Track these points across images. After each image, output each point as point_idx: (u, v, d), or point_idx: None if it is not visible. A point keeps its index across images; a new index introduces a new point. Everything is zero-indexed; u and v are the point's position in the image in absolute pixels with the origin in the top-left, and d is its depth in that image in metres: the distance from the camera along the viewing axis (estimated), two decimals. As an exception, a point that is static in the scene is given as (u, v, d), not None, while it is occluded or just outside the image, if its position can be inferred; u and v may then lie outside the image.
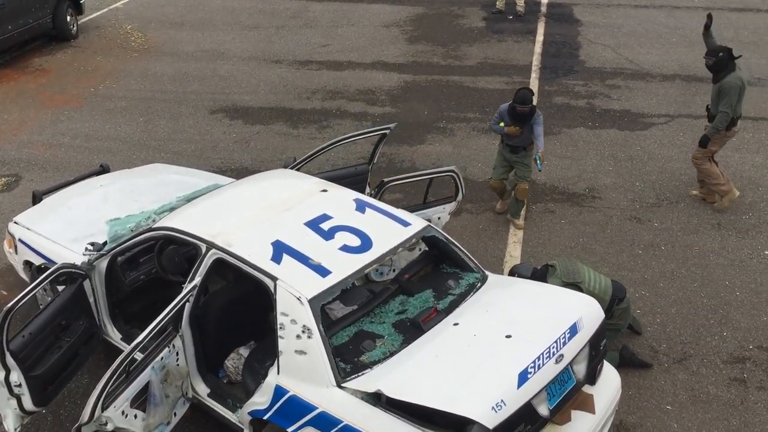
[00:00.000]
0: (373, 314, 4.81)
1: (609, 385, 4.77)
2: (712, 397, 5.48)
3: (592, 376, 4.62)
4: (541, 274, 5.57)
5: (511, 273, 5.72)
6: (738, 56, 7.30)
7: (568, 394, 4.40)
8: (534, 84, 11.07)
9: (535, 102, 7.27)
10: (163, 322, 4.37)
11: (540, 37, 13.08)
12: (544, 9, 14.58)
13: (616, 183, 8.37)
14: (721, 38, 12.61)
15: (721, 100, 7.15)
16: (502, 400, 3.92)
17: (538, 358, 4.16)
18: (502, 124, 7.25)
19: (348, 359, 4.38)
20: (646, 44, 12.51)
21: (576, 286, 5.37)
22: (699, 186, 7.91)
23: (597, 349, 4.61)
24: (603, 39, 12.80)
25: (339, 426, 4.13)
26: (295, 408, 4.30)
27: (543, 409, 4.19)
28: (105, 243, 5.44)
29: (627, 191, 8.19)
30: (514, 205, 7.61)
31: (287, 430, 4.33)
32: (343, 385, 4.22)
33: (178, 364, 4.68)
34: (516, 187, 7.49)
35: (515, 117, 7.13)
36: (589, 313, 4.61)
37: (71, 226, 5.88)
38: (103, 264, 5.30)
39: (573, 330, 4.42)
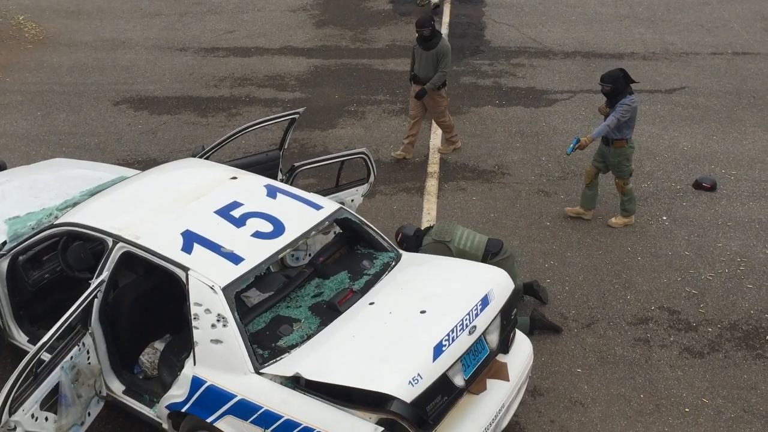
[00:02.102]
0: (289, 299, 4.81)
1: (522, 352, 4.94)
2: (618, 357, 5.76)
3: (505, 345, 4.77)
4: (423, 234, 5.91)
5: (397, 233, 5.98)
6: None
7: (483, 363, 4.54)
8: (442, 65, 11.21)
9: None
10: (69, 321, 4.23)
11: (446, 19, 13.25)
12: (449, -10, 14.75)
13: (524, 159, 8.62)
14: (617, 15, 13.17)
15: (442, 62, 8.07)
16: (418, 374, 4.01)
17: (452, 330, 4.27)
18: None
19: (265, 345, 4.36)
20: (547, 23, 12.87)
21: (444, 244, 5.74)
22: (447, 144, 8.79)
23: (508, 319, 4.77)
24: (507, 19, 13.08)
25: (259, 412, 4.12)
26: (214, 398, 4.26)
27: (459, 380, 4.31)
28: (4, 243, 5.21)
29: (534, 166, 8.44)
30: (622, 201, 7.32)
31: (206, 420, 4.29)
32: (261, 371, 4.21)
33: (89, 363, 4.55)
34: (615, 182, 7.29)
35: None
36: (499, 284, 4.76)
37: (-34, 227, 5.59)
38: (4, 264, 5.09)
39: (485, 301, 4.56)
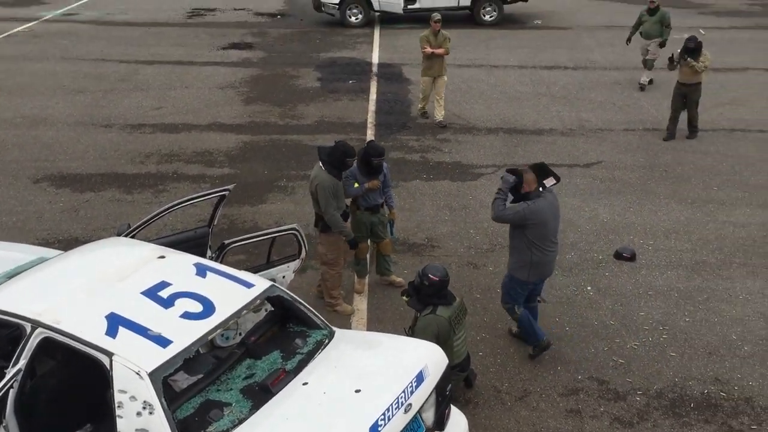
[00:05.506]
0: (219, 381, 4.66)
1: (457, 428, 4.91)
2: (552, 430, 5.78)
3: (440, 422, 4.74)
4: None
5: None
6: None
7: (419, 442, 4.49)
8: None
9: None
10: (-18, 414, 3.97)
11: (373, 96, 13.60)
12: (375, 69, 15.21)
13: (453, 231, 8.77)
14: (536, 93, 13.81)
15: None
16: (354, 456, 3.92)
17: (388, 409, 4.23)
18: (357, 185, 7.04)
19: (194, 432, 4.19)
20: (470, 100, 13.37)
21: (449, 326, 5.61)
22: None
23: (443, 395, 4.75)
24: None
25: (188, 505, 3.92)
26: (139, 491, 4.04)
27: (396, 460, 4.23)
28: None
29: (463, 239, 8.60)
30: (383, 263, 7.51)
31: None
32: (190, 460, 4.03)
33: (1, 458, 4.26)
34: (379, 245, 7.40)
35: (372, 171, 7.00)
36: (433, 360, 4.76)
37: None
38: None
39: (419, 378, 4.54)
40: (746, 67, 15.43)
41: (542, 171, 6.18)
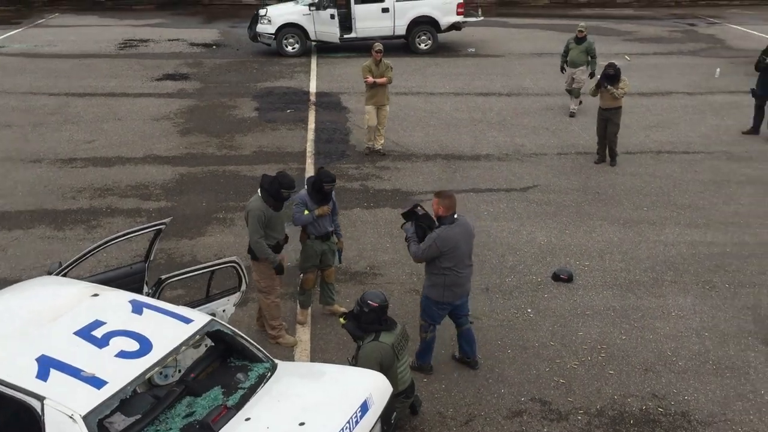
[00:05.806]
0: (158, 421, 4.55)
1: (404, 457, 4.90)
2: (497, 453, 5.82)
3: (386, 451, 4.71)
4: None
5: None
6: None
7: (365, 473, 4.45)
8: (310, 169, 11.43)
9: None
10: None
11: (312, 125, 13.62)
12: (313, 98, 15.26)
13: (394, 259, 8.80)
14: (471, 119, 14.06)
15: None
16: (299, 492, 3.85)
17: (333, 441, 4.18)
18: (307, 212, 7.02)
19: (132, 476, 4.06)
20: (408, 128, 13.52)
21: (393, 354, 5.61)
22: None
23: (388, 423, 4.74)
24: (369, 124, 13.61)
25: None
26: None
27: (342, 493, 4.18)
28: None
29: (404, 266, 8.63)
30: (327, 292, 7.52)
31: None
32: (128, 505, 3.89)
33: None
34: (324, 273, 7.42)
35: (323, 197, 7.00)
36: (377, 388, 4.75)
37: None
38: None
39: (364, 408, 4.52)
40: (670, 91, 16.11)
41: (410, 215, 6.52)
